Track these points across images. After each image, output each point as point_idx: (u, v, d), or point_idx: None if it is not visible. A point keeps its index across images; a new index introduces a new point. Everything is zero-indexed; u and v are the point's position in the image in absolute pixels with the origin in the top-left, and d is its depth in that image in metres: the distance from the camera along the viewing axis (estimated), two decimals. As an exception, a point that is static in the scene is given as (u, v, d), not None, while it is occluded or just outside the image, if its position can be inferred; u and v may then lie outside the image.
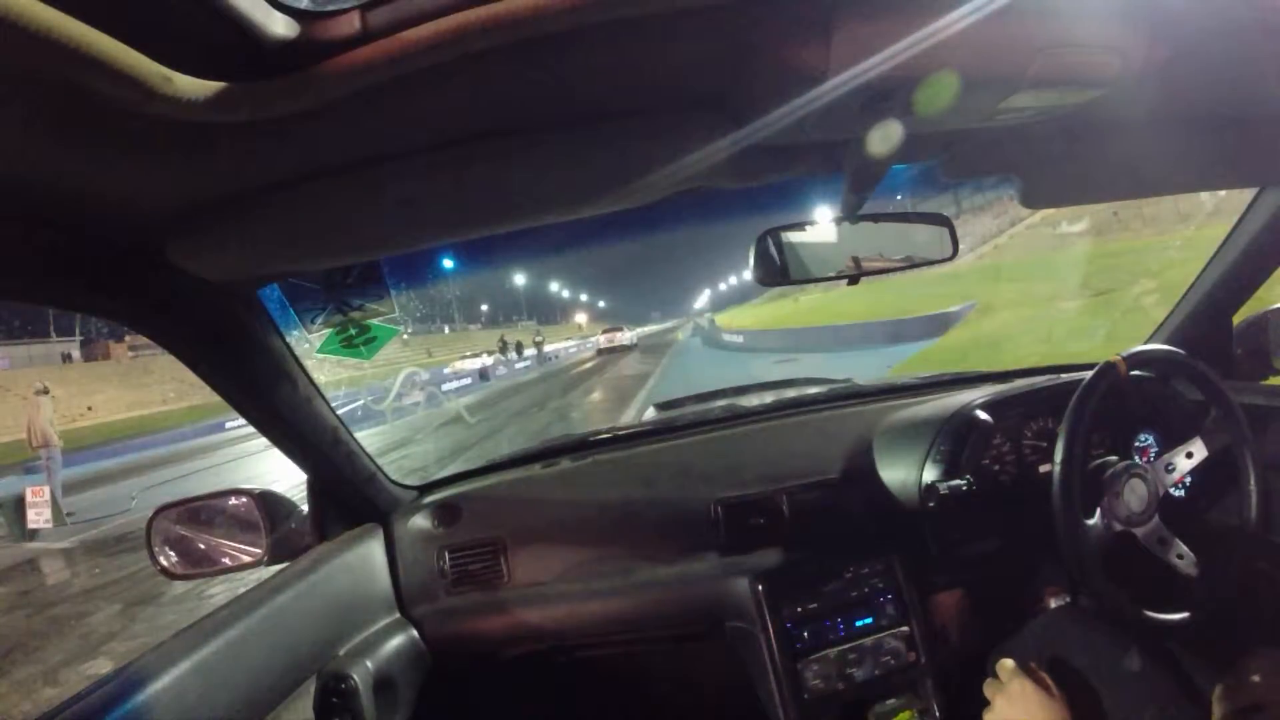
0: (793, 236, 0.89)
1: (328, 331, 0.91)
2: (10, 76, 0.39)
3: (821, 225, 0.91)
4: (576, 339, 56.58)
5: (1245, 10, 0.54)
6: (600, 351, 31.15)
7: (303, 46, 0.39)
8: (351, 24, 0.39)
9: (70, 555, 6.61)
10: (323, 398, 1.08)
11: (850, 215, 0.89)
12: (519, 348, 34.84)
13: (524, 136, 0.58)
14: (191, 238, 0.64)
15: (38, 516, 7.25)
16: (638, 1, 0.41)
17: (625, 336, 34.04)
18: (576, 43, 0.45)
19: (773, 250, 0.89)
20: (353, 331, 0.91)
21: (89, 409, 28.60)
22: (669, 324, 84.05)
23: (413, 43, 0.40)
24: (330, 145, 0.54)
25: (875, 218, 0.91)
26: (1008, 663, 0.97)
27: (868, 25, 0.48)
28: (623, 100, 0.57)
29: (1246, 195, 1.22)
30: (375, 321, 0.92)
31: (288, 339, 0.96)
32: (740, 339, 22.57)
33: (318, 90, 0.42)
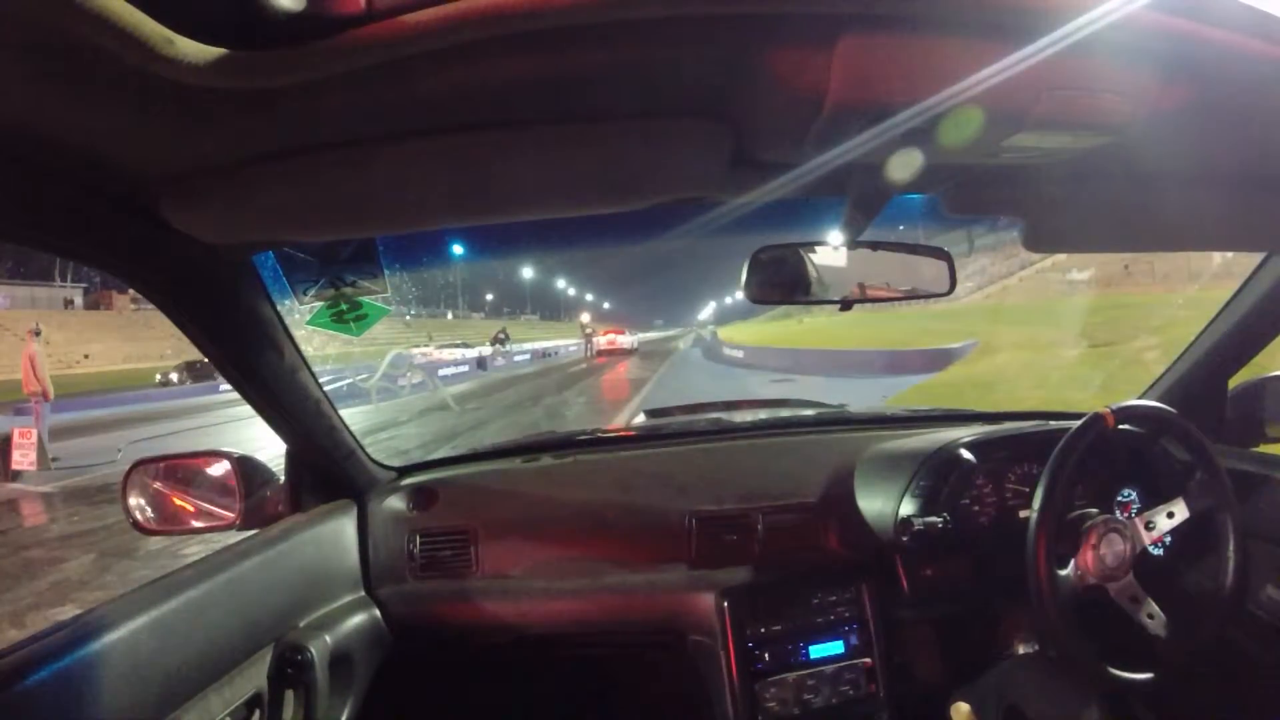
0: (789, 256, 0.89)
1: (319, 304, 0.91)
2: (13, 25, 0.39)
3: (819, 248, 0.91)
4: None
5: (1272, 68, 0.51)
6: (600, 354, 31.10)
7: (306, 20, 0.39)
8: (356, 2, 0.39)
9: (50, 500, 6.59)
10: (309, 369, 1.08)
11: (850, 240, 0.89)
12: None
13: (520, 130, 0.58)
14: (187, 198, 0.64)
15: (22, 458, 7.23)
16: (635, 5, 0.41)
17: (627, 340, 33.94)
18: (576, 41, 0.45)
19: (768, 268, 0.89)
20: (344, 306, 0.91)
21: (85, 357, 28.60)
22: (671, 332, 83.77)
23: (415, 26, 0.40)
24: (327, 121, 0.54)
25: (874, 245, 0.91)
26: (963, 707, 0.97)
27: (871, 51, 0.47)
28: (620, 101, 0.57)
29: (1256, 258, 1.22)
30: (367, 299, 0.92)
31: (278, 307, 0.96)
32: (740, 354, 22.48)
33: (318, 65, 0.42)
